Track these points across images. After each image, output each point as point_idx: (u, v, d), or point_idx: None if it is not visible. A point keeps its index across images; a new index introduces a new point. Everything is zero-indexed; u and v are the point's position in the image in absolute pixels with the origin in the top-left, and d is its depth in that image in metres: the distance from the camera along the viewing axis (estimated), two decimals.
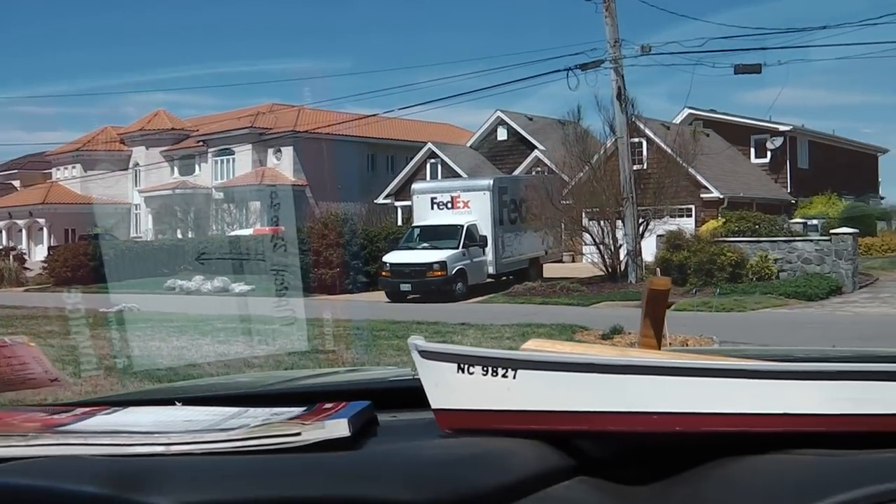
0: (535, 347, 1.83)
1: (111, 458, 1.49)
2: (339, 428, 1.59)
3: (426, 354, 1.71)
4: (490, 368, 1.67)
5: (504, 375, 1.66)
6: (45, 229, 69.74)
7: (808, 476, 1.45)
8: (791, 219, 40.82)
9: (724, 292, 27.00)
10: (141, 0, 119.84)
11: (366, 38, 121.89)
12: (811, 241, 31.94)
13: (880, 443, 1.52)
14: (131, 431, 1.65)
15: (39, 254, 63.50)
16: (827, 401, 1.57)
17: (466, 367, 1.68)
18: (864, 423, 1.57)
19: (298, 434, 1.56)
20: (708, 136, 44.90)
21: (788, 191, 48.32)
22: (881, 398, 1.57)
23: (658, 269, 26.08)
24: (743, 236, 32.42)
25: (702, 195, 41.55)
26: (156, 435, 1.60)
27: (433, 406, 1.74)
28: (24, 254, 62.67)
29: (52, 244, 64.31)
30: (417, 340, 1.72)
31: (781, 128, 48.51)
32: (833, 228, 33.32)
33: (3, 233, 72.72)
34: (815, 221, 40.29)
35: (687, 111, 48.05)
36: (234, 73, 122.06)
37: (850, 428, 1.57)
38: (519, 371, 1.66)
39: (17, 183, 79.23)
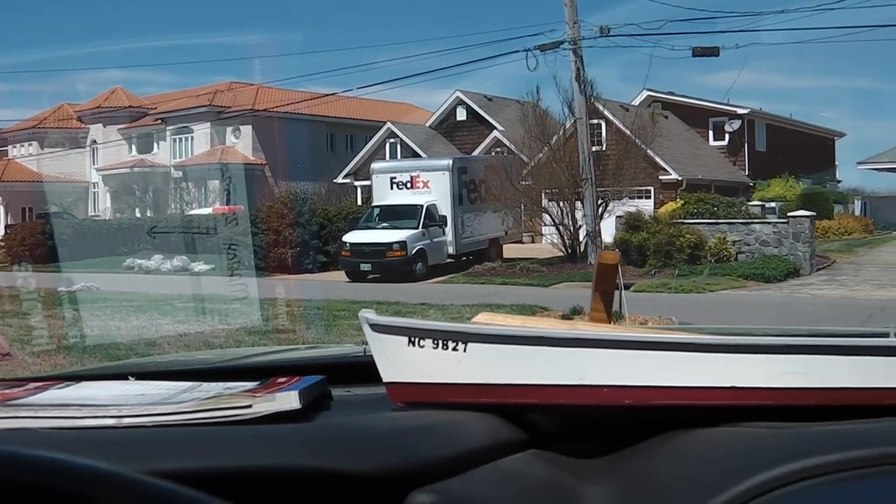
0: (486, 321, 1.85)
1: (61, 430, 1.49)
2: (289, 400, 1.59)
3: (377, 328, 1.72)
4: (441, 341, 1.68)
5: (455, 349, 1.67)
6: (1, 208, 69.04)
7: (756, 448, 1.47)
8: (749, 201, 41.03)
9: (682, 274, 27.15)
10: None
11: (325, 16, 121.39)
12: (769, 223, 32.13)
13: (825, 416, 1.54)
14: (83, 405, 1.64)
15: None
16: (773, 375, 1.59)
17: (417, 340, 1.69)
18: (809, 397, 1.59)
19: (249, 406, 1.56)
20: (667, 118, 45.02)
21: (746, 173, 48.62)
22: (825, 372, 1.59)
23: (617, 250, 26.18)
24: (701, 218, 32.56)
25: (660, 177, 41.70)
26: (107, 408, 1.60)
27: (385, 379, 1.75)
28: None
29: (8, 223, 63.62)
30: (368, 314, 1.73)
31: (739, 111, 48.78)
32: (791, 211, 33.52)
33: None
34: (772, 204, 40.58)
35: (646, 93, 48.12)
36: (192, 46, 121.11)
37: (796, 401, 1.58)
38: (469, 344, 1.67)
39: None
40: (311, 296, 22.71)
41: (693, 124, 49.19)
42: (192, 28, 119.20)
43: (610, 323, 2.07)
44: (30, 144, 72.02)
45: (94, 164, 70.67)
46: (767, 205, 40.42)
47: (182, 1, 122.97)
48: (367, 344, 1.75)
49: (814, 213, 32.26)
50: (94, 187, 70.60)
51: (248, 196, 35.83)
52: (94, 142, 70.43)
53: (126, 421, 1.54)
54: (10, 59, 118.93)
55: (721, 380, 1.60)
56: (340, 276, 31.32)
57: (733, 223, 31.90)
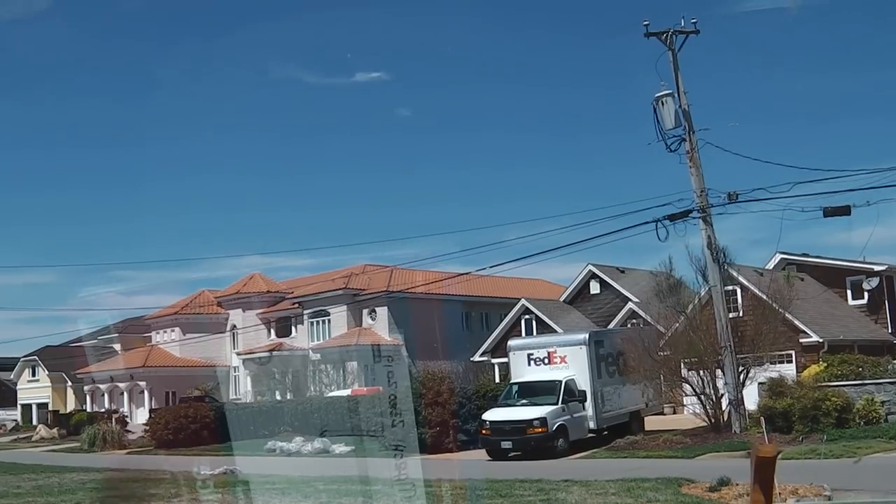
0: None
1: None
2: None
3: None
4: None
5: None
6: (145, 392, 70.96)
7: None
8: (895, 359, 39.99)
9: (831, 438, 26.40)
10: (232, 174, 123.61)
11: (457, 196, 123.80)
12: None
13: None
14: None
15: (141, 416, 64.51)
16: None
17: None
18: None
19: None
20: (802, 280, 44.55)
21: (889, 331, 47.33)
22: None
23: (762, 418, 25.63)
24: (846, 380, 31.79)
25: (801, 340, 40.92)
26: None
27: None
28: (126, 416, 63.74)
29: (153, 406, 65.29)
30: None
31: (876, 267, 47.71)
32: None
33: (105, 396, 74.18)
34: None
35: (779, 256, 47.70)
36: (326, 228, 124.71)
37: None
38: None
39: (117, 346, 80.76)
40: (455, 476, 22.63)
41: (830, 284, 48.35)
42: (325, 213, 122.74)
43: None
44: (172, 330, 74.37)
45: (234, 349, 72.32)
46: None
47: (315, 190, 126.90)
48: None
49: None
50: (235, 371, 72.08)
51: (402, 376, 36.04)
52: (234, 326, 72.31)
53: None
54: (153, 250, 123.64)
55: None
56: (481, 454, 31.17)
57: (880, 383, 31.04)
